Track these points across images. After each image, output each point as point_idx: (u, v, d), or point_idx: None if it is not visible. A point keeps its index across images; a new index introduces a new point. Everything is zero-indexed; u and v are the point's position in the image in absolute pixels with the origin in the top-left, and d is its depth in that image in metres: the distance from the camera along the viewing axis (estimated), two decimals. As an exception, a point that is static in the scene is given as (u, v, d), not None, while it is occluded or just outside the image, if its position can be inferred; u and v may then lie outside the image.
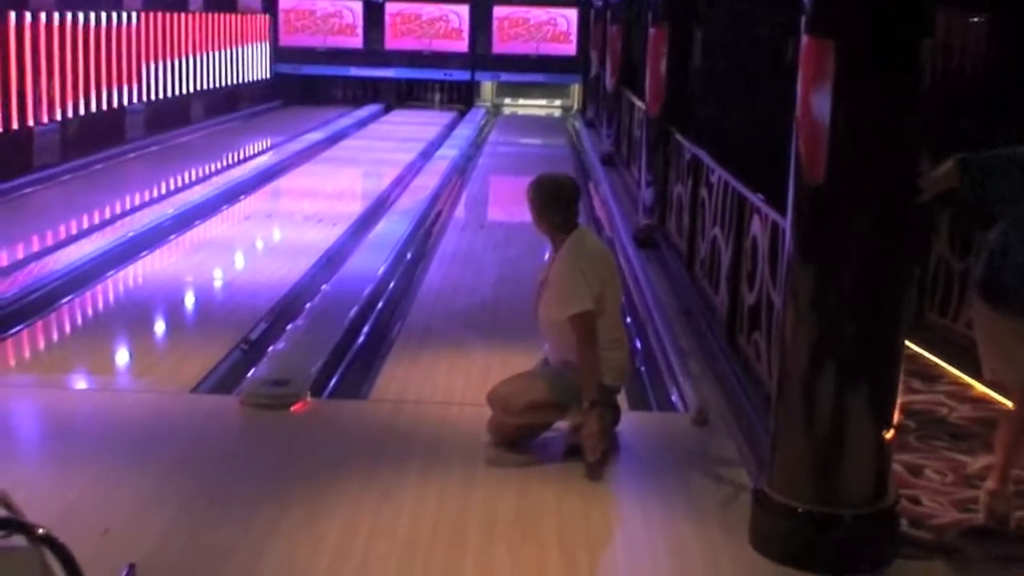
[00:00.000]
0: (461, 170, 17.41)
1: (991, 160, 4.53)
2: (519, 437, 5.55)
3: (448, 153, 18.66)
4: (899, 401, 4.44)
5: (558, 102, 28.86)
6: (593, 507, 4.93)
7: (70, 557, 3.18)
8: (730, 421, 6.03)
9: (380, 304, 9.06)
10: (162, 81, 19.72)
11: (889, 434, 4.38)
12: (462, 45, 27.70)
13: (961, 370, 6.69)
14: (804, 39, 4.28)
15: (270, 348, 7.36)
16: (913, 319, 6.85)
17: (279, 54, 27.21)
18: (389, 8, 27.55)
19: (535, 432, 5.57)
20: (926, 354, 7.09)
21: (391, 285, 9.69)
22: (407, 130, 22.48)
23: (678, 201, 10.35)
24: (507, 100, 28.98)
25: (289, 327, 7.91)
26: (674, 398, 6.63)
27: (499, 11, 27.51)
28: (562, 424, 5.53)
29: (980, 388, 6.38)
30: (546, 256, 5.64)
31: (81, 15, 16.20)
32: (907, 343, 4.59)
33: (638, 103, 14.40)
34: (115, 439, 5.61)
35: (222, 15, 23.33)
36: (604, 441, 5.30)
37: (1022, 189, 4.44)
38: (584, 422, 5.26)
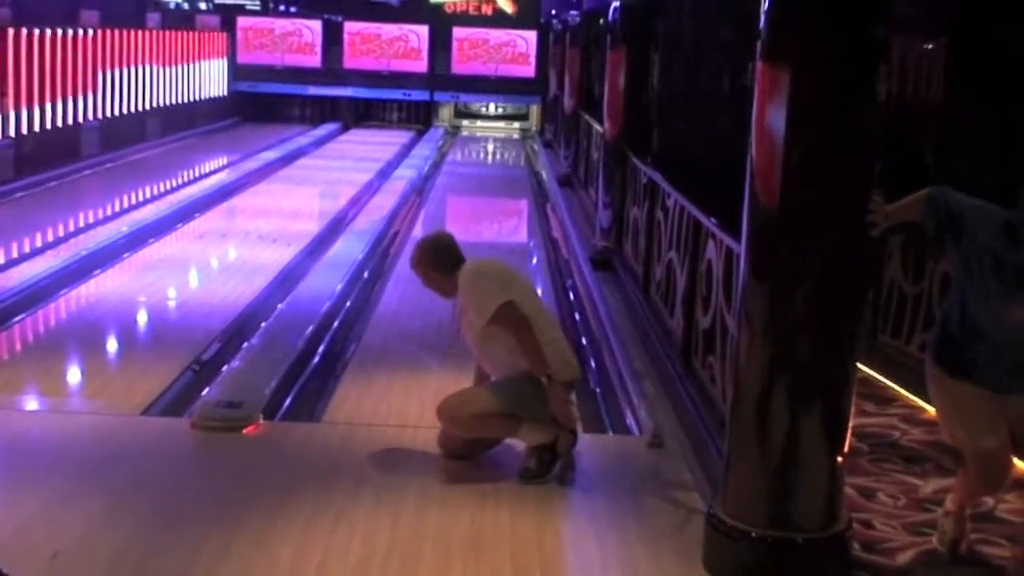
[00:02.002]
0: (419, 190, 17.40)
1: (964, 209, 4.34)
2: (468, 451, 5.59)
3: (406, 173, 18.66)
4: (851, 424, 4.46)
5: (516, 123, 28.93)
6: (547, 530, 4.92)
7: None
8: (685, 444, 6.04)
9: (335, 325, 9.02)
10: (118, 98, 19.60)
11: (841, 458, 4.40)
12: (421, 65, 27.71)
13: (913, 393, 6.73)
14: (759, 65, 4.31)
15: (223, 369, 7.31)
16: (866, 342, 6.89)
17: (237, 72, 27.13)
18: (348, 27, 27.53)
19: (484, 446, 5.61)
20: (879, 377, 7.14)
21: (347, 306, 9.65)
22: (365, 150, 22.46)
23: (634, 224, 10.38)
24: (465, 121, 29.01)
25: (243, 348, 7.86)
26: (629, 421, 6.64)
27: (459, 32, 27.57)
28: (516, 445, 5.54)
29: (932, 411, 6.41)
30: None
31: (37, 31, 16.10)
32: (859, 366, 4.61)
33: (596, 126, 14.46)
34: (65, 461, 5.54)
35: (180, 32, 23.24)
36: (572, 407, 5.58)
37: (989, 251, 4.26)
38: (549, 398, 5.37)
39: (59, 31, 16.88)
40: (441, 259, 5.63)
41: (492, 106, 29.06)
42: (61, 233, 12.23)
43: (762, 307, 4.36)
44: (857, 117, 4.20)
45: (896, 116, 8.37)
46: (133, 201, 14.78)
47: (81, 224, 12.88)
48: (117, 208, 14.15)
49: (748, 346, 4.42)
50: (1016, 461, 5.21)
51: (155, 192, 15.60)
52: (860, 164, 4.26)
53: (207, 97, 25.21)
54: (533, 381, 5.40)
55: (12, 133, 15.50)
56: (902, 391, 6.91)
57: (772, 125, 4.24)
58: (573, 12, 19.96)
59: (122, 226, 12.42)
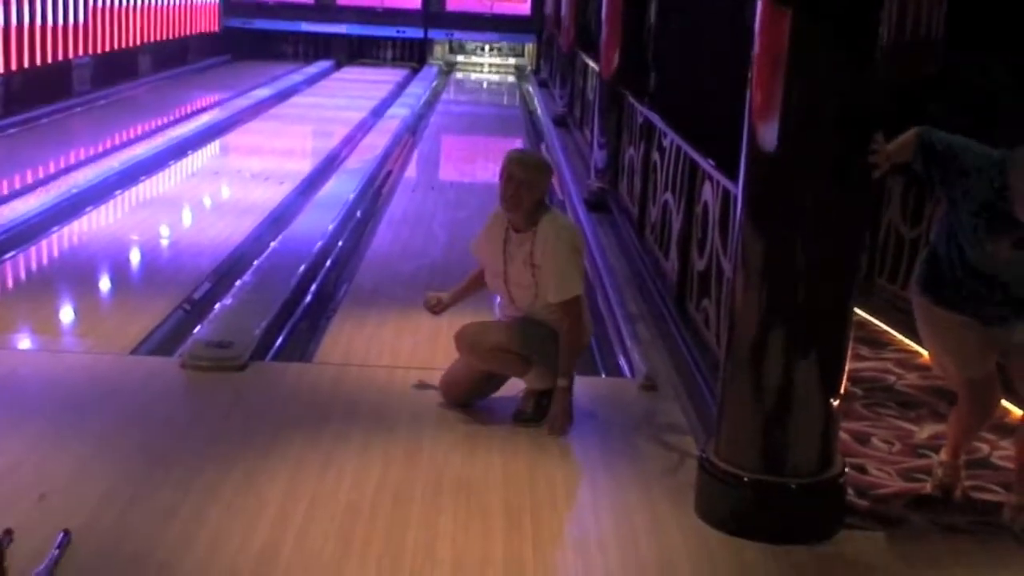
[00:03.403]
0: (412, 129, 17.27)
1: (952, 147, 4.31)
2: (471, 395, 5.53)
3: (399, 112, 18.49)
4: (847, 369, 4.42)
5: (512, 60, 28.70)
6: (539, 473, 4.88)
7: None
8: (678, 387, 6.00)
9: (327, 265, 8.95)
10: (109, 34, 19.39)
11: (837, 403, 4.37)
12: (415, 2, 27.44)
13: (909, 337, 6.69)
14: (760, 5, 4.21)
15: (214, 308, 7.24)
16: (862, 285, 6.85)
17: (229, 8, 26.83)
18: (342, -38, 27.24)
19: (485, 391, 5.55)
20: (874, 321, 7.10)
21: (339, 245, 9.58)
22: (358, 88, 22.28)
23: (630, 165, 10.30)
24: (460, 58, 28.77)
25: (234, 287, 7.79)
26: (622, 363, 6.60)
27: (454, -32, 27.29)
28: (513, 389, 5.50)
29: (927, 356, 6.38)
30: (492, 226, 5.49)
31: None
32: (856, 310, 4.56)
33: (592, 65, 14.32)
34: (54, 401, 5.50)
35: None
36: (569, 421, 5.30)
37: (978, 189, 4.23)
38: (556, 396, 5.28)
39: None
40: (549, 189, 5.37)
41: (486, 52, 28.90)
42: (52, 170, 12.12)
43: (759, 250, 4.31)
44: (859, 56, 4.12)
45: (897, 57, 8.27)
46: (125, 138, 14.64)
47: (72, 161, 12.76)
48: (108, 145, 14.02)
49: (744, 289, 4.37)
50: (1012, 408, 5.22)
51: (147, 129, 15.46)
52: (861, 105, 4.18)
53: (199, 33, 24.95)
54: (553, 332, 5.33)
55: (2, 70, 15.32)
56: (897, 335, 6.88)
57: (772, 66, 4.16)
58: (570, -51, 19.69)
59: (113, 163, 12.30)
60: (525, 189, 5.23)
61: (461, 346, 5.47)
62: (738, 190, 4.46)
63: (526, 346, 5.34)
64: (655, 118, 9.07)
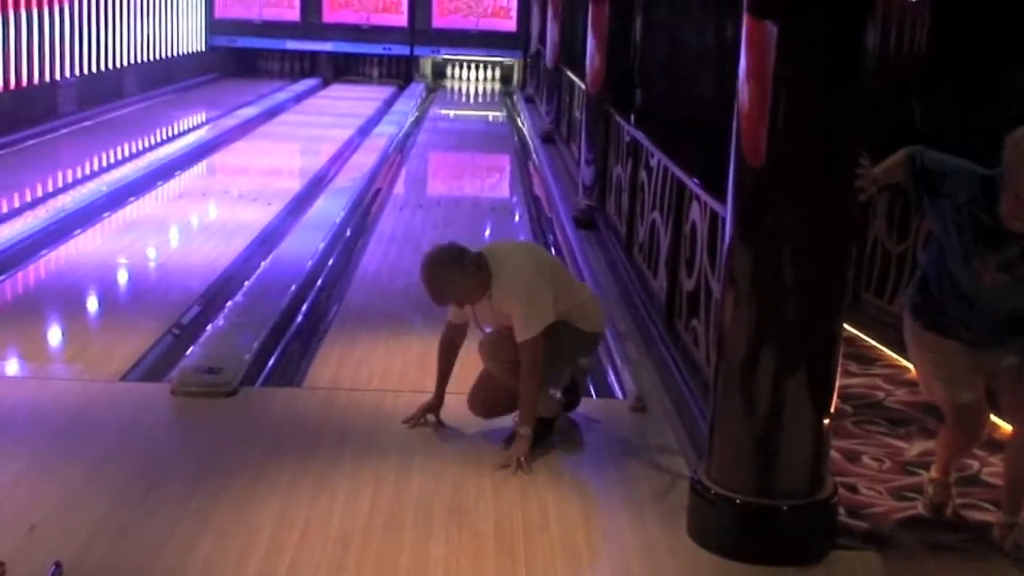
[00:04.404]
0: (400, 147, 17.28)
1: (942, 167, 4.27)
2: (500, 407, 5.47)
3: (387, 130, 18.51)
4: (837, 386, 4.42)
5: (499, 64, 28.68)
6: (530, 496, 4.87)
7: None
8: (669, 408, 6.00)
9: (318, 285, 8.95)
10: (95, 54, 19.37)
11: (827, 422, 4.37)
12: (401, 19, 27.48)
13: (897, 352, 6.70)
14: (746, 19, 4.22)
15: (203, 333, 7.23)
16: (849, 301, 6.87)
17: (214, 26, 26.84)
18: (327, -20, 27.27)
19: (502, 410, 5.49)
20: (862, 336, 7.11)
21: (329, 265, 9.58)
22: (345, 105, 22.30)
23: (617, 183, 10.31)
24: (447, 72, 28.78)
25: (223, 310, 7.78)
26: (612, 383, 6.60)
27: (439, -16, 27.34)
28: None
29: (915, 373, 6.39)
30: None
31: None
32: (844, 325, 4.56)
33: (578, 81, 14.35)
34: (42, 429, 5.48)
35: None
36: (524, 466, 5.12)
37: (967, 210, 4.19)
38: (517, 441, 5.20)
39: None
40: (473, 265, 5.16)
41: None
42: (39, 193, 12.10)
43: (747, 268, 4.31)
44: (844, 72, 4.12)
45: (883, 75, 8.30)
46: (112, 160, 14.64)
47: (59, 184, 12.75)
48: (96, 167, 14.01)
49: (733, 309, 4.37)
50: (1001, 423, 5.22)
51: (134, 150, 15.45)
52: (848, 122, 4.18)
53: (185, 52, 24.95)
54: (565, 357, 5.37)
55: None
56: (886, 350, 6.89)
57: (758, 81, 4.16)
58: (555, -35, 19.75)
59: (101, 185, 12.29)
60: (450, 289, 5.20)
61: (483, 354, 5.48)
62: (726, 209, 4.46)
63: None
64: (641, 137, 9.09)
